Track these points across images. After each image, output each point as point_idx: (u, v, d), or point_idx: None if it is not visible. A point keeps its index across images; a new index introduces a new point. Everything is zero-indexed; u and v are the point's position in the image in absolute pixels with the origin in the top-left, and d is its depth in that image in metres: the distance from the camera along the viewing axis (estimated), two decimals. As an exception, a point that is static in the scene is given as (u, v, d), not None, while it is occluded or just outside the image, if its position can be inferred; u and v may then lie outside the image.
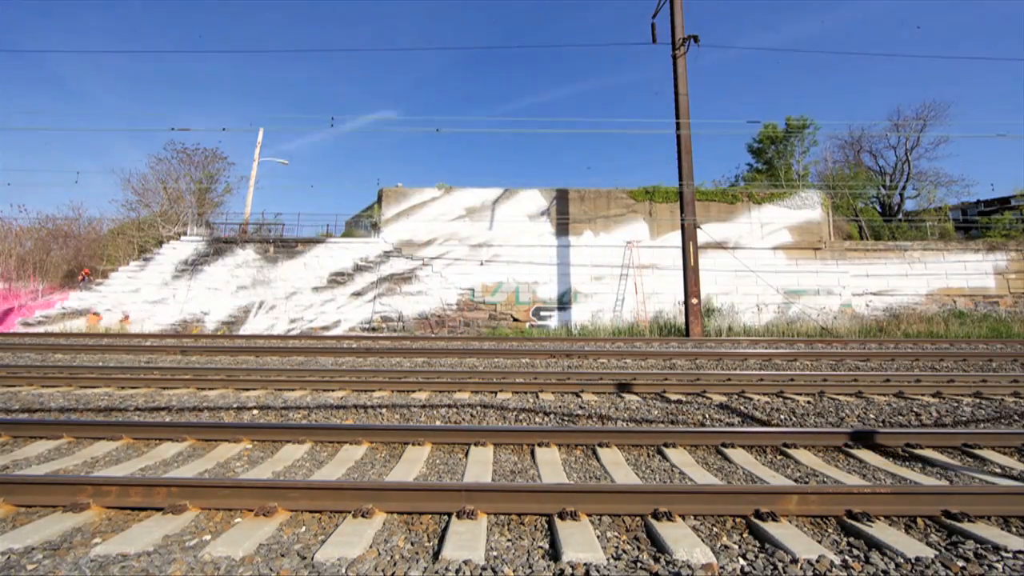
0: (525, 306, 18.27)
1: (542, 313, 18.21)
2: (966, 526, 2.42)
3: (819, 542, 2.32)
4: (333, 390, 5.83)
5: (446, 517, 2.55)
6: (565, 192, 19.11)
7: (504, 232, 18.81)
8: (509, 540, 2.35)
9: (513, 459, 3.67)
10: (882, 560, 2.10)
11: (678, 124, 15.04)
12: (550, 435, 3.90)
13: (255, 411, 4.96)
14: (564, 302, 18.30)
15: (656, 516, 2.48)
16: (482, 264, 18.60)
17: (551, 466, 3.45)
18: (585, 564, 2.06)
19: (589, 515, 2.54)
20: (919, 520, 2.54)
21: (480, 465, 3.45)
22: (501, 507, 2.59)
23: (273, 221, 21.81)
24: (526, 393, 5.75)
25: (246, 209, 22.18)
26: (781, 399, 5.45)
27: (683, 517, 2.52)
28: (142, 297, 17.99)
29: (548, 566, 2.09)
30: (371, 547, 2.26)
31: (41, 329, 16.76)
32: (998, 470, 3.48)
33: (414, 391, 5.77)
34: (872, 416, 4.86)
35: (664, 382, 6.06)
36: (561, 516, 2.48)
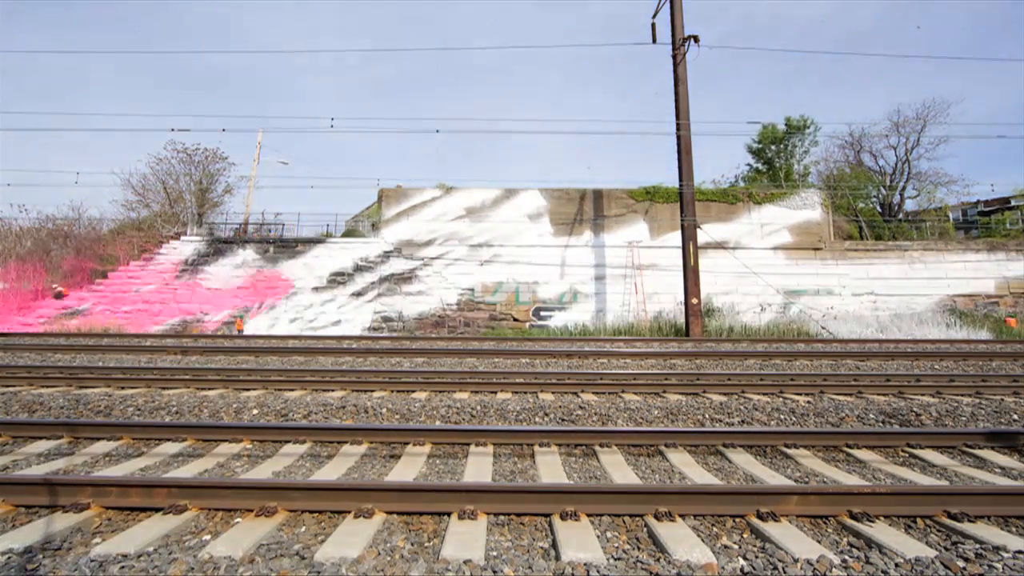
0: (525, 306, 18.26)
1: (542, 313, 18.20)
2: (966, 526, 2.42)
3: (819, 542, 2.32)
4: (333, 390, 5.83)
5: (446, 517, 2.55)
6: (565, 192, 19.11)
7: (504, 232, 18.81)
8: (509, 540, 2.35)
9: (513, 459, 3.67)
10: (882, 560, 2.10)
11: (678, 125, 15.03)
12: (550, 435, 3.90)
13: (255, 411, 4.96)
14: (564, 302, 18.29)
15: (656, 516, 2.48)
16: (482, 264, 18.59)
17: (551, 466, 3.45)
18: (585, 564, 2.06)
19: (589, 515, 2.54)
20: (919, 520, 2.54)
21: (480, 465, 3.45)
22: (501, 507, 2.59)
23: (273, 221, 21.76)
24: (526, 393, 5.75)
25: (246, 209, 22.20)
26: (781, 399, 5.45)
27: (683, 517, 2.52)
28: (142, 297, 17.99)
29: (548, 566, 2.09)
30: (371, 547, 2.26)
31: (41, 329, 16.74)
32: None
33: (414, 391, 5.77)
34: (872, 416, 4.86)
35: (664, 382, 6.06)
36: (561, 516, 2.48)
